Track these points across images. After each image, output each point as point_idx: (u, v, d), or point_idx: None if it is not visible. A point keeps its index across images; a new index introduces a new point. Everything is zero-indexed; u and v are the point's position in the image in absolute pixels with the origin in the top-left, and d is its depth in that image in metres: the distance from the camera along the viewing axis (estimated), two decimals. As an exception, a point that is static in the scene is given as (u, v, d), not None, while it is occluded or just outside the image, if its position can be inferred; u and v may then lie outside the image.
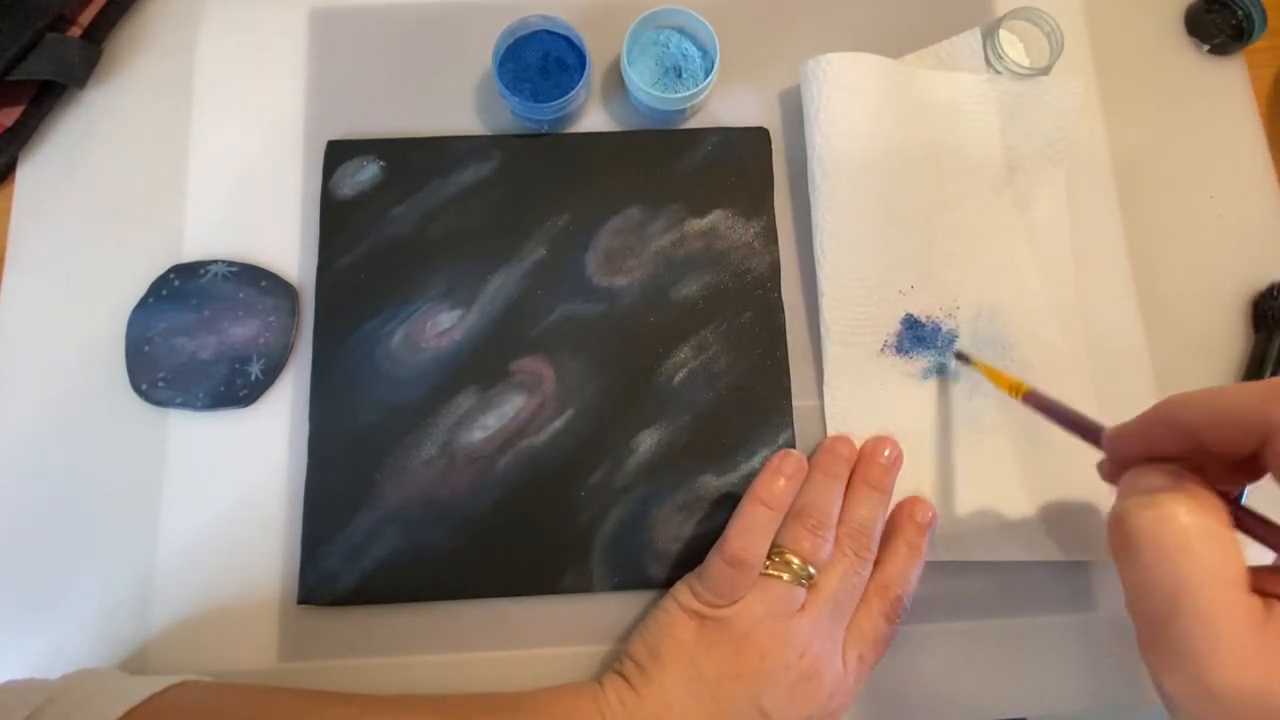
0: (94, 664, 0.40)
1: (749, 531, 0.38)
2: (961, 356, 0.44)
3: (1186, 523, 0.25)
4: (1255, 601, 0.25)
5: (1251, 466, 0.28)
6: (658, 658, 0.37)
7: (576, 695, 0.37)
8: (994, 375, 0.41)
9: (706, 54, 0.46)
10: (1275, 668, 0.24)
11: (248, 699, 0.36)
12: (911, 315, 0.45)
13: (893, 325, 0.44)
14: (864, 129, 0.44)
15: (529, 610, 0.42)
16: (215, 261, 0.45)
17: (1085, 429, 0.34)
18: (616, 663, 0.39)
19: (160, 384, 0.43)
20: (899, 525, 0.42)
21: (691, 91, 0.44)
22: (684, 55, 0.46)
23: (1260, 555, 0.43)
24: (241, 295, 0.44)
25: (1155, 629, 0.26)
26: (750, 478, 0.42)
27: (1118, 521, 0.27)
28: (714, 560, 0.38)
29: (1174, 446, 0.28)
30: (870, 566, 0.40)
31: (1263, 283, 0.46)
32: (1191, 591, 0.25)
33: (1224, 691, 0.25)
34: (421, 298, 0.44)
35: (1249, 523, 0.28)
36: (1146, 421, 0.29)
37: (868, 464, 0.42)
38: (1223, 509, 0.26)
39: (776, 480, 0.40)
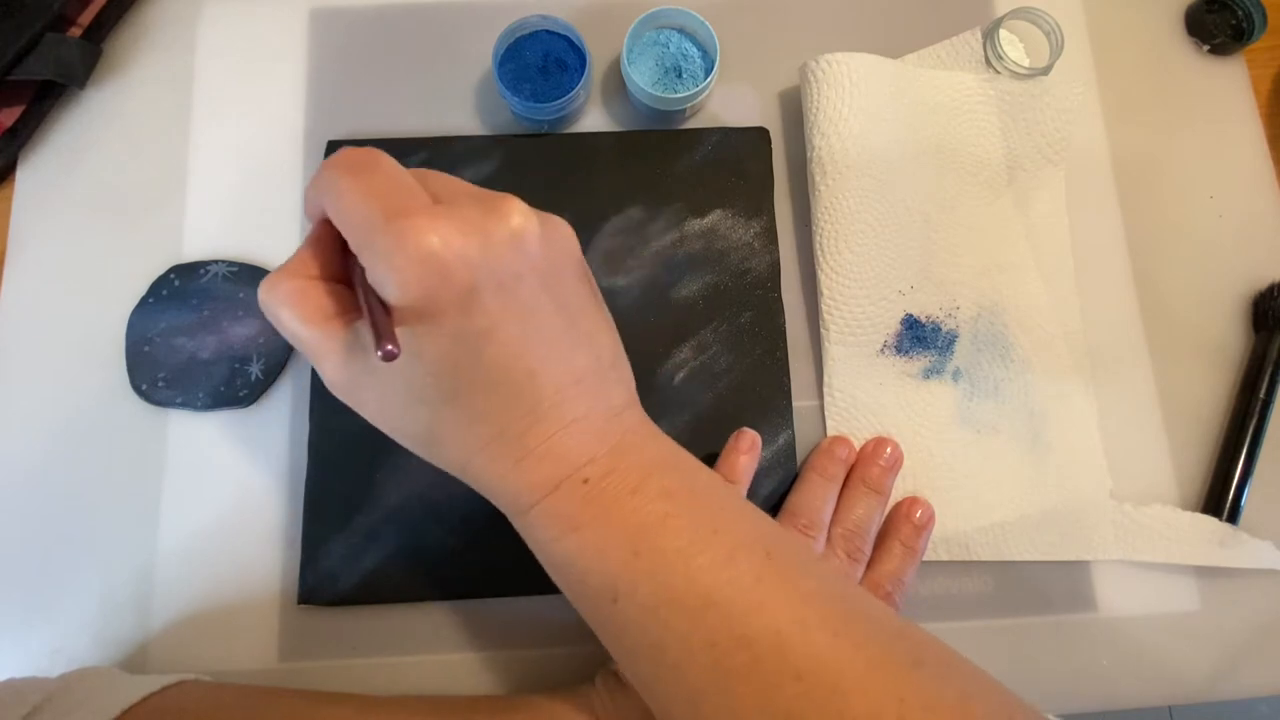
0: (94, 663, 0.40)
1: None
2: None
3: (273, 288, 0.29)
4: (335, 326, 0.29)
5: None
6: None
7: (572, 697, 0.37)
8: None
9: (706, 54, 0.46)
10: (353, 376, 0.29)
11: (247, 699, 0.36)
12: (911, 315, 0.45)
13: (892, 325, 0.44)
14: (864, 129, 0.44)
15: (529, 610, 0.42)
16: (215, 261, 0.45)
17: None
18: (610, 660, 0.39)
19: (160, 384, 0.43)
20: (895, 525, 0.42)
21: (691, 91, 0.44)
22: (684, 55, 0.46)
23: (1270, 558, 0.43)
24: (241, 295, 0.44)
25: None
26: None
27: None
28: None
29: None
30: (863, 567, 0.40)
31: (1263, 283, 0.46)
32: (297, 336, 0.29)
33: (350, 402, 0.30)
34: (421, 298, 0.44)
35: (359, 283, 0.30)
36: (307, 193, 0.31)
37: (867, 465, 0.42)
38: (313, 268, 0.30)
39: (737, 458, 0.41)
